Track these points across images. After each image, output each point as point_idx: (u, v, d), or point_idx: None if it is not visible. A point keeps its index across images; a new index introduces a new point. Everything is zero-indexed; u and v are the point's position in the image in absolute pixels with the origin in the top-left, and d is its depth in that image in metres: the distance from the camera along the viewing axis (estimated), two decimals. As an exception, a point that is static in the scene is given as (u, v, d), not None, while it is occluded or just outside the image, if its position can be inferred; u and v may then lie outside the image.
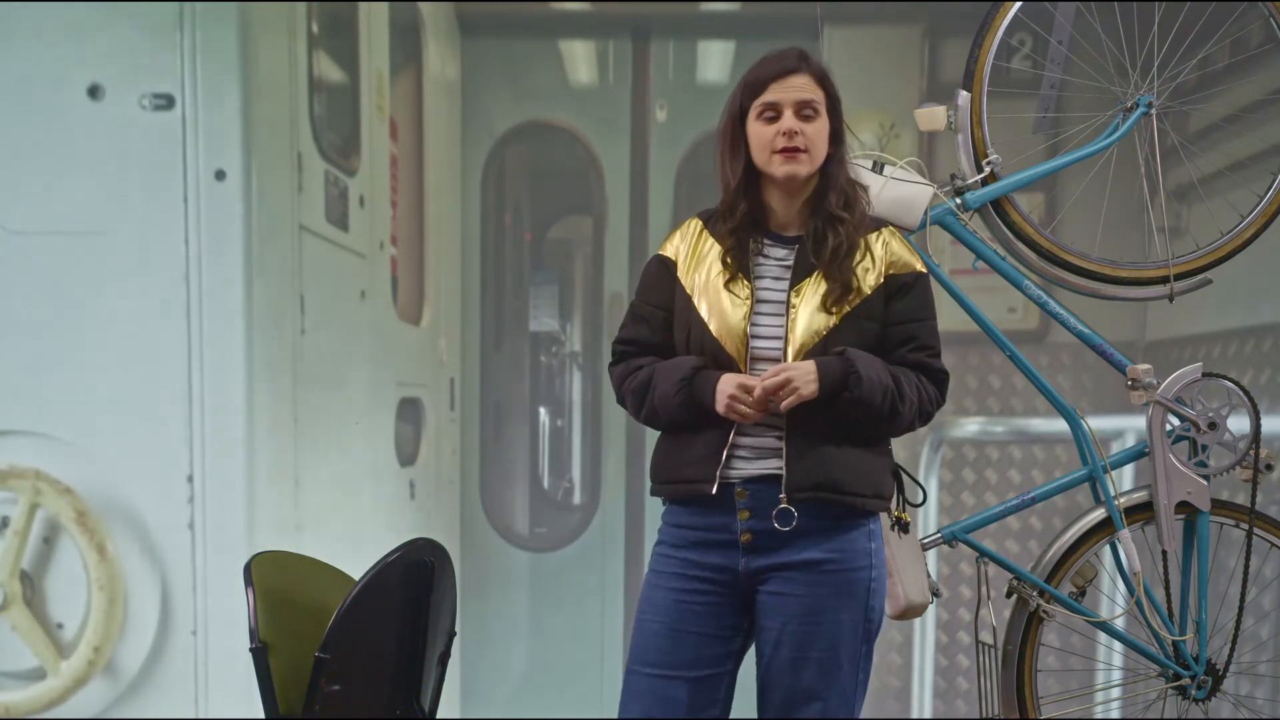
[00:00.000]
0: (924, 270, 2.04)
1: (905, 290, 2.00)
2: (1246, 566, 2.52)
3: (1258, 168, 2.69)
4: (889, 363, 1.97)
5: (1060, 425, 2.54)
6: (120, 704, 3.69)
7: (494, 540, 5.09)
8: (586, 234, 5.32)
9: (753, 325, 1.96)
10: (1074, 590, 2.50)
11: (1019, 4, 2.46)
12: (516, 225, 5.49)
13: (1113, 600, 2.77)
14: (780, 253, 2.00)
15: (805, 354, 1.93)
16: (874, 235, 2.02)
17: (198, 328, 3.59)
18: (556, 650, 5.05)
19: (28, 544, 3.62)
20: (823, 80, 1.98)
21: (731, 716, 2.05)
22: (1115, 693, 2.96)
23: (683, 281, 2.02)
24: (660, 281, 2.05)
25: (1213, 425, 2.45)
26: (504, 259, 5.35)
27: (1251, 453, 2.46)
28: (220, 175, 3.56)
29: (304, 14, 3.88)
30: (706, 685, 2.00)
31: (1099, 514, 2.50)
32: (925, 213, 2.34)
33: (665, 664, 1.99)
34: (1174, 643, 2.53)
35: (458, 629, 2.20)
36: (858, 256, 1.98)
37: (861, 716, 2.04)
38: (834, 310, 1.95)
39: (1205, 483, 2.47)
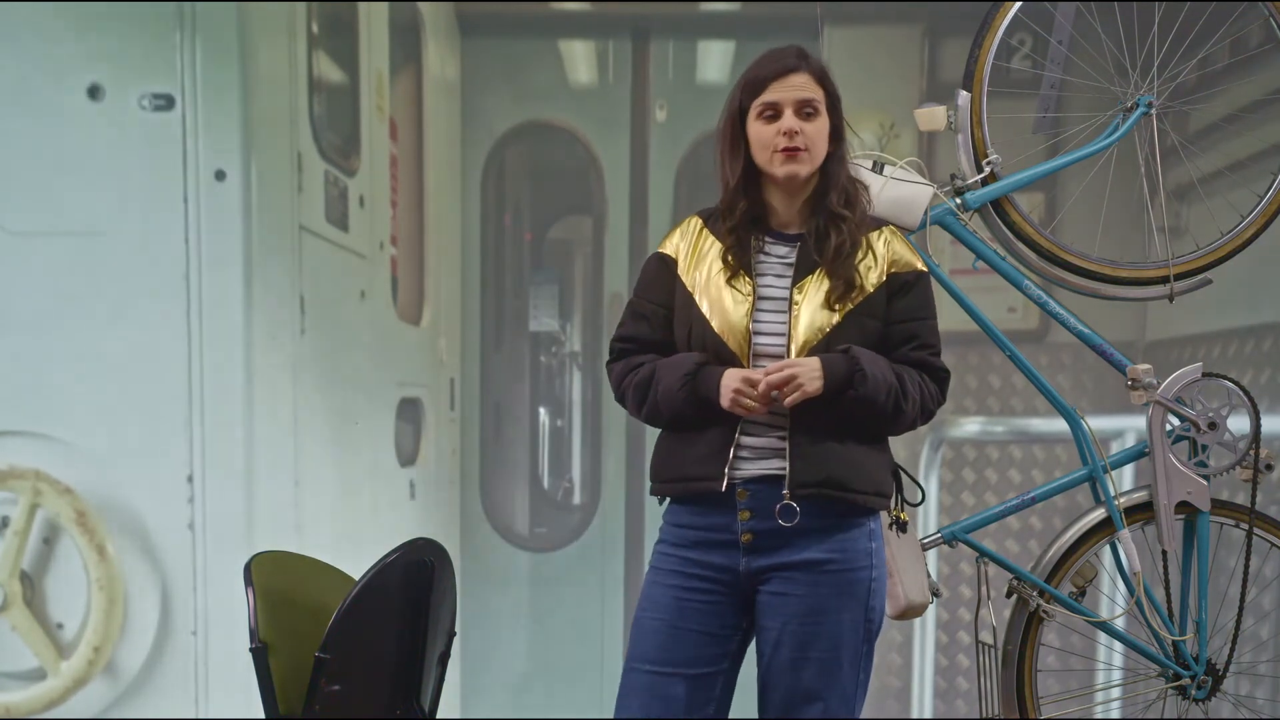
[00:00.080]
0: (925, 269, 2.05)
1: (907, 289, 2.01)
2: (1246, 566, 2.52)
3: (1258, 168, 2.69)
4: (891, 361, 1.97)
5: (1060, 425, 2.54)
6: (120, 704, 3.69)
7: (494, 540, 5.09)
8: (586, 234, 5.32)
9: (755, 322, 1.97)
10: (1074, 590, 2.50)
11: (1019, 4, 2.46)
12: (516, 225, 5.49)
13: (1113, 600, 2.77)
14: (781, 250, 2.00)
15: (808, 351, 1.94)
16: (875, 234, 2.02)
17: (198, 328, 3.59)
18: (556, 650, 5.05)
19: (28, 544, 3.62)
20: (822, 78, 1.98)
21: (732, 717, 2.05)
22: (1115, 693, 2.96)
23: (683, 279, 2.02)
24: (660, 279, 2.05)
25: (1213, 425, 2.45)
26: (504, 259, 5.36)
27: (1251, 453, 2.46)
28: (220, 175, 3.56)
29: (304, 14, 3.88)
30: (704, 683, 2.00)
31: (1099, 514, 2.50)
32: (925, 213, 2.34)
33: (664, 661, 1.99)
34: (1174, 643, 2.53)
35: (458, 629, 2.20)
36: (860, 254, 1.98)
37: (862, 716, 2.04)
38: (837, 307, 1.95)
39: (1205, 483, 2.47)
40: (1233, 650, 2.54)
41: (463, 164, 5.00)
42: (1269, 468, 2.48)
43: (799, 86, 1.95)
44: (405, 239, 4.71)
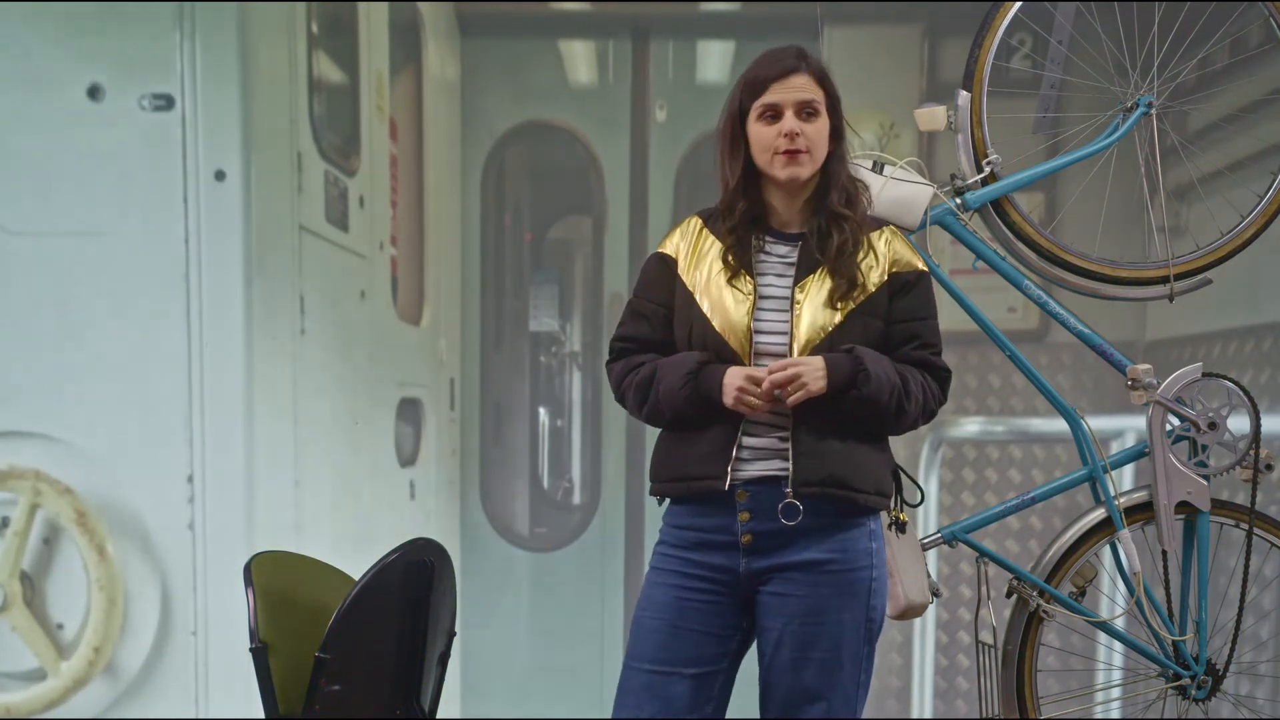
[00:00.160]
0: (926, 269, 2.05)
1: (908, 288, 2.01)
2: (1246, 566, 2.52)
3: (1258, 168, 2.69)
4: (893, 360, 1.97)
5: (1060, 425, 2.54)
6: (120, 704, 3.69)
7: (494, 540, 5.09)
8: (586, 234, 5.32)
9: (756, 321, 1.97)
10: (1074, 590, 2.50)
11: (1019, 4, 2.46)
12: (516, 225, 5.49)
13: (1113, 600, 2.77)
14: (782, 249, 2.00)
15: (811, 350, 1.94)
16: (876, 233, 2.03)
17: (198, 328, 3.59)
18: (556, 650, 5.05)
19: (28, 545, 3.62)
20: (822, 79, 1.98)
21: (733, 717, 2.05)
22: (1115, 693, 2.96)
23: (684, 279, 2.02)
24: (661, 279, 2.05)
25: (1213, 425, 2.45)
26: (504, 259, 5.36)
27: (1251, 453, 2.46)
28: (220, 175, 3.56)
29: (304, 14, 3.88)
30: (703, 683, 2.00)
31: (1099, 514, 2.50)
32: (925, 213, 2.34)
33: (663, 660, 1.99)
34: (1174, 643, 2.53)
35: (458, 629, 2.20)
36: (861, 253, 1.99)
37: (862, 717, 2.04)
38: (839, 306, 1.95)
39: (1205, 483, 2.47)
40: (1233, 650, 2.54)
41: (463, 164, 5.00)
42: (1269, 468, 2.48)
43: (799, 88, 1.95)
44: (405, 239, 4.71)
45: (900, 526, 2.17)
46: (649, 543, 2.10)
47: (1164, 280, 2.51)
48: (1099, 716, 3.23)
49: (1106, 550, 2.55)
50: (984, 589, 2.47)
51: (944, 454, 4.59)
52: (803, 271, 1.98)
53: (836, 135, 1.99)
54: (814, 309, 1.95)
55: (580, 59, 5.11)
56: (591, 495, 5.21)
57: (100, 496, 3.60)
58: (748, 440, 1.96)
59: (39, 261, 3.57)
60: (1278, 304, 3.90)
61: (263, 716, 1.97)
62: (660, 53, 5.01)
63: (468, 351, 5.07)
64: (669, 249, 2.06)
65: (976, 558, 2.48)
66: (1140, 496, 2.50)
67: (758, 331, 1.96)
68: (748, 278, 1.98)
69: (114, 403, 3.59)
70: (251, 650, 1.94)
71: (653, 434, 2.09)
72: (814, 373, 1.89)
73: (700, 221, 2.06)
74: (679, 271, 2.03)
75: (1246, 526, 2.52)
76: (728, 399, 1.91)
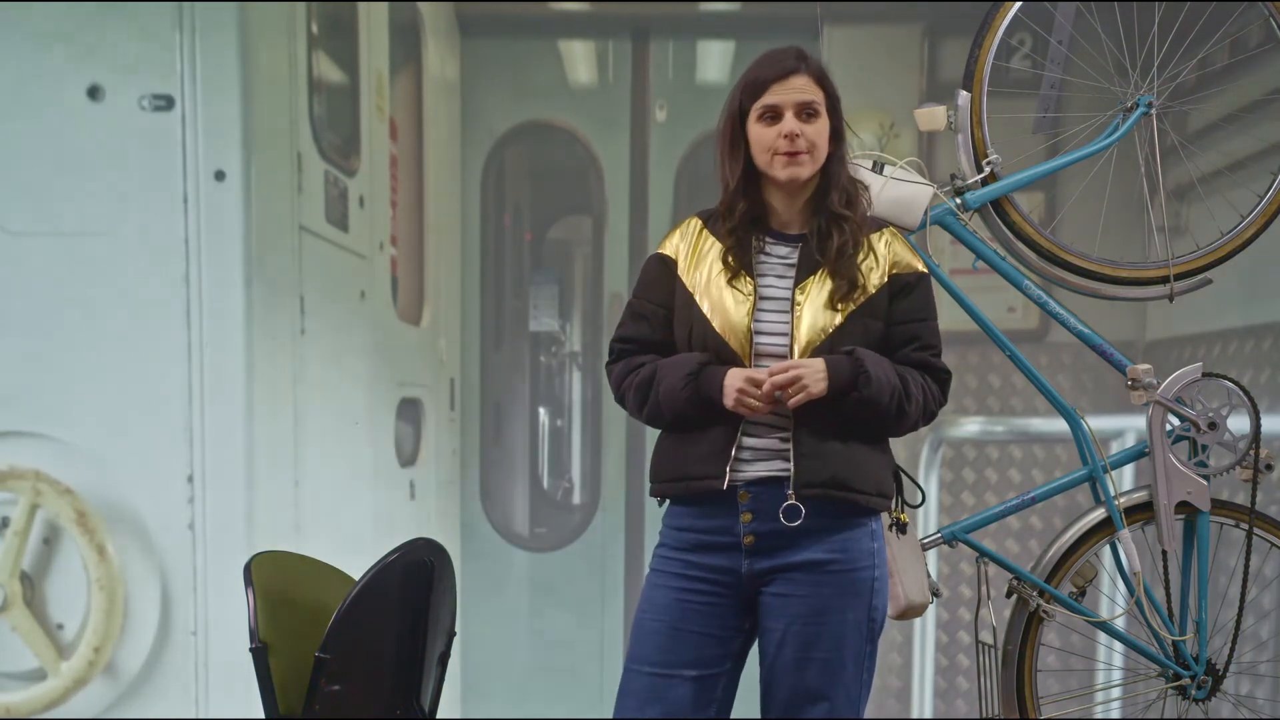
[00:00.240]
0: (926, 271, 2.05)
1: (909, 290, 2.01)
2: (1246, 566, 2.52)
3: (1258, 168, 2.69)
4: (894, 362, 1.97)
5: (1060, 425, 2.54)
6: (120, 704, 3.69)
7: (494, 540, 5.09)
8: (586, 234, 5.32)
9: (756, 321, 1.97)
10: (1074, 590, 2.50)
11: (1019, 4, 2.46)
12: (516, 225, 5.50)
13: (1113, 600, 2.77)
14: (783, 250, 2.01)
15: (811, 351, 1.94)
16: (876, 235, 2.03)
17: (198, 328, 3.59)
18: (556, 650, 5.05)
19: (28, 545, 3.62)
20: (822, 80, 1.98)
21: (734, 717, 2.05)
22: (1115, 693, 2.96)
23: (683, 279, 2.02)
24: (660, 279, 2.05)
25: (1213, 425, 2.45)
26: (504, 259, 5.36)
27: (1251, 453, 2.46)
28: (220, 175, 3.56)
29: (304, 14, 3.88)
30: (705, 685, 2.00)
31: (1099, 514, 2.50)
32: (925, 213, 2.34)
33: (664, 663, 1.99)
34: (1174, 643, 2.53)
35: (458, 629, 2.20)
36: (862, 255, 1.99)
37: (864, 717, 2.04)
38: (839, 308, 1.95)
39: (1205, 483, 2.47)
40: (1233, 650, 2.54)
41: (463, 164, 5.00)
42: (1269, 468, 2.48)
43: (799, 89, 1.95)
44: (405, 239, 4.71)
45: (901, 528, 2.17)
46: (649, 543, 2.10)
47: (1164, 280, 2.51)
48: (1099, 716, 3.23)
49: (1106, 550, 2.55)
50: (984, 589, 2.47)
51: (944, 454, 4.59)
52: (803, 273, 1.98)
53: (836, 136, 1.99)
54: (814, 310, 1.95)
55: (580, 59, 5.11)
56: (591, 495, 5.21)
57: (100, 496, 3.60)
58: (749, 441, 1.96)
59: (39, 261, 3.57)
60: (1278, 304, 3.90)
61: (263, 716, 1.97)
62: (660, 53, 5.01)
63: (468, 351, 5.07)
64: (669, 250, 2.06)
65: (976, 558, 2.48)
66: (1140, 496, 2.50)
67: (758, 333, 1.96)
68: (748, 278, 1.98)
69: (114, 403, 3.59)
70: (251, 650, 1.94)
71: (653, 434, 2.09)
72: (814, 374, 1.90)
73: (700, 222, 2.06)
74: (679, 272, 2.03)
75: (1246, 526, 2.52)
76: (728, 400, 1.91)
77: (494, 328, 5.23)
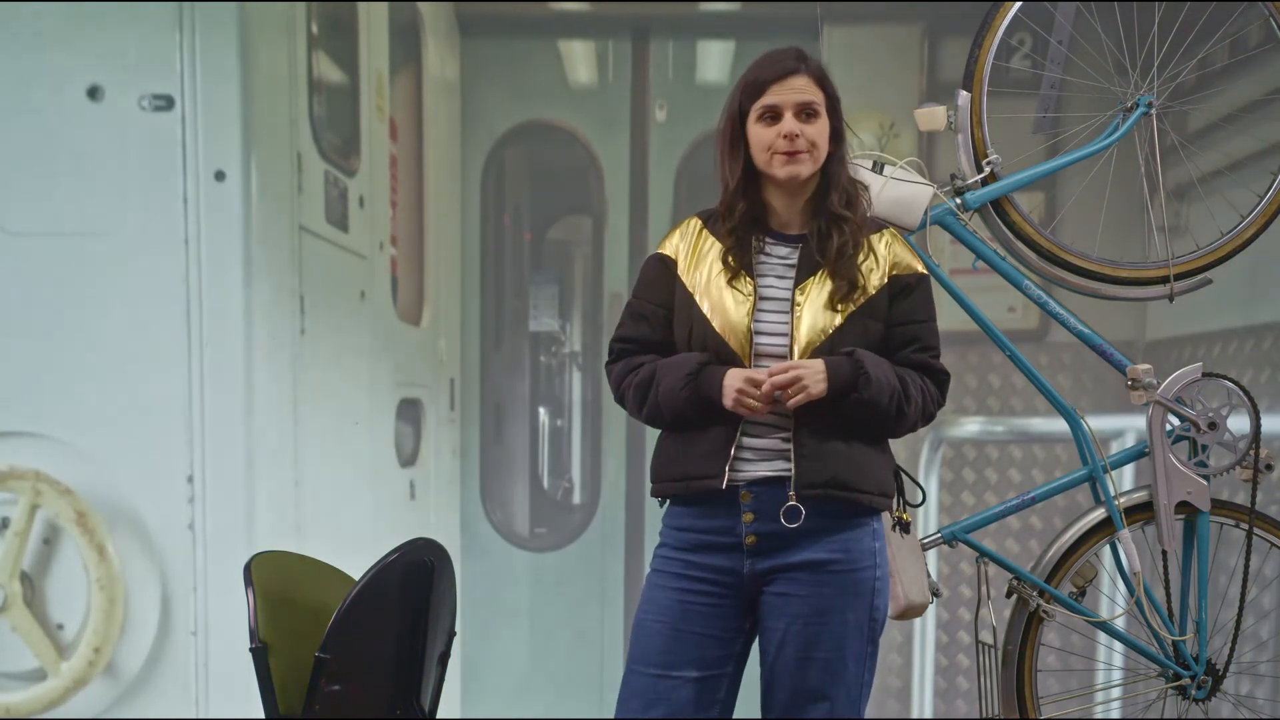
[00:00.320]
0: (925, 272, 2.05)
1: (908, 291, 2.01)
2: (1246, 566, 2.52)
3: (1258, 168, 2.69)
4: (893, 363, 1.97)
5: (1060, 425, 2.54)
6: (120, 704, 3.69)
7: (494, 540, 5.09)
8: (586, 234, 5.32)
9: (756, 322, 1.97)
10: (1074, 590, 2.50)
11: (1019, 4, 2.46)
12: (516, 225, 5.49)
13: (1113, 600, 2.77)
14: (783, 251, 2.01)
15: (811, 352, 1.94)
16: (876, 235, 2.03)
17: (198, 328, 3.59)
18: (556, 650, 5.05)
19: (28, 545, 3.62)
20: (821, 80, 1.98)
21: (735, 717, 2.05)
22: (1115, 693, 2.96)
23: (683, 279, 2.02)
24: (660, 279, 2.05)
25: (1213, 425, 2.45)
26: (504, 259, 5.36)
27: (1251, 452, 2.46)
28: (220, 175, 3.56)
29: (304, 14, 3.88)
30: (707, 686, 2.00)
31: (1099, 514, 2.50)
32: (925, 213, 2.34)
33: (666, 664, 1.99)
34: (1174, 643, 2.53)
35: (458, 629, 2.20)
36: (862, 256, 1.99)
37: (864, 716, 2.04)
38: (839, 308, 1.96)
39: (1205, 483, 2.47)
40: (1233, 650, 2.54)
41: (463, 164, 5.00)
42: (1269, 468, 2.48)
43: (799, 89, 1.95)
44: (405, 239, 4.71)
45: (904, 527, 2.17)
46: (649, 543, 2.10)
47: (1164, 280, 2.51)
48: (1099, 716, 3.23)
49: (1106, 550, 2.55)
50: (984, 589, 2.47)
51: (944, 454, 4.59)
52: (803, 273, 1.98)
53: (836, 137, 1.99)
54: (814, 311, 1.96)
55: (580, 59, 5.11)
56: (591, 495, 5.21)
57: (100, 496, 3.60)
58: (750, 441, 1.96)
59: (39, 261, 3.57)
60: (1278, 304, 3.90)
61: (263, 716, 1.97)
62: (660, 53, 5.01)
63: (468, 351, 5.07)
64: (668, 250, 2.06)
65: (976, 558, 2.48)
66: (1140, 496, 2.50)
67: (758, 333, 1.96)
68: (748, 279, 1.98)
69: (114, 403, 3.59)
70: (251, 650, 1.94)
71: (653, 434, 2.09)
72: (814, 375, 1.90)
73: (700, 222, 2.06)
74: (679, 272, 2.03)
75: (1246, 526, 2.52)
76: (727, 401, 1.91)
77: (494, 328, 5.23)
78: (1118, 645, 2.66)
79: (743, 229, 2.00)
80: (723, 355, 1.96)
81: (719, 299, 1.98)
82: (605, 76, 5.09)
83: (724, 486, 1.94)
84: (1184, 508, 2.47)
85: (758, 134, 1.97)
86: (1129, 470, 2.82)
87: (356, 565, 2.00)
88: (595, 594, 5.05)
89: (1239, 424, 2.46)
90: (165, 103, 3.53)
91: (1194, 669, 2.53)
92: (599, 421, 5.19)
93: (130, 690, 3.69)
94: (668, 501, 2.06)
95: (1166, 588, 2.54)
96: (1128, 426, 3.58)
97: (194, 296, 3.58)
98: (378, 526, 4.32)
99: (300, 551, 2.14)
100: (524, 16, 4.96)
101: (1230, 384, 2.46)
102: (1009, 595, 2.53)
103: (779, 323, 1.97)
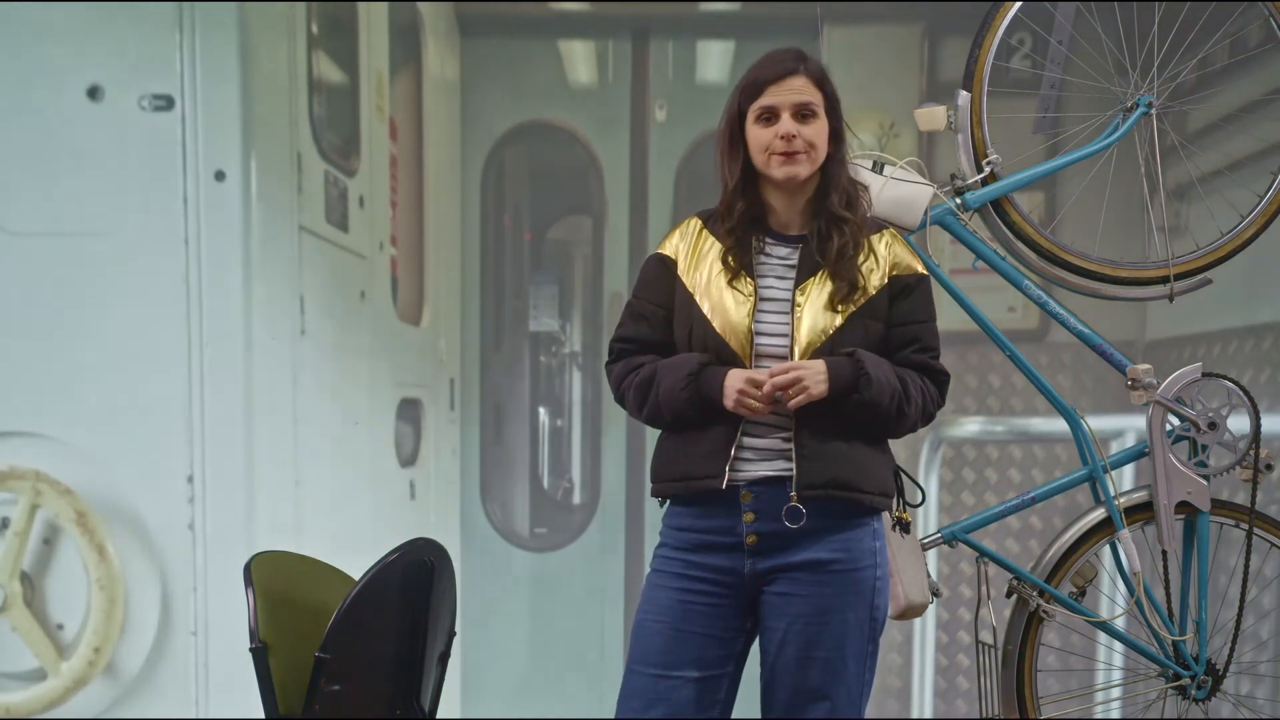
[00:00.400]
0: (925, 272, 2.05)
1: (908, 291, 2.01)
2: (1246, 566, 2.52)
3: (1258, 168, 2.69)
4: (893, 364, 1.97)
5: (1060, 425, 2.54)
6: (120, 704, 3.69)
7: (494, 540, 5.09)
8: (586, 234, 5.32)
9: (757, 323, 1.97)
10: (1074, 590, 2.50)
11: (1019, 4, 2.46)
12: (516, 225, 5.49)
13: (1113, 600, 2.77)
14: (783, 251, 2.01)
15: (812, 353, 1.94)
16: (876, 236, 2.03)
17: (198, 328, 3.59)
18: (556, 650, 5.05)
19: (28, 545, 3.62)
20: (820, 81, 1.98)
21: (735, 717, 2.05)
22: (1115, 693, 2.97)
23: (683, 280, 2.02)
24: (660, 279, 2.05)
25: (1213, 425, 2.45)
26: (504, 259, 5.36)
27: (1251, 452, 2.46)
28: (220, 176, 3.56)
29: (304, 14, 3.88)
30: (708, 686, 2.00)
31: (1099, 514, 2.50)
32: (925, 213, 2.34)
33: (667, 664, 1.99)
34: (1174, 643, 2.53)
35: (458, 629, 2.20)
36: (862, 256, 1.99)
37: (865, 716, 2.04)
38: (840, 309, 1.96)
39: (1205, 483, 2.47)
40: (1233, 650, 2.54)
41: (463, 164, 5.00)
42: (1269, 468, 2.48)
43: (796, 89, 1.95)
44: (405, 239, 4.71)
45: (904, 527, 2.17)
46: (649, 543, 2.10)
47: (1164, 280, 2.51)
48: (1099, 716, 3.23)
49: (1106, 550, 2.55)
50: (984, 589, 2.47)
51: (944, 454, 4.59)
52: (803, 274, 1.98)
53: (836, 138, 1.99)
54: (815, 312, 1.96)
55: (580, 59, 5.11)
56: (591, 495, 5.21)
57: (100, 496, 3.60)
58: (751, 441, 1.96)
59: (39, 261, 3.57)
60: (1278, 304, 3.90)
61: (263, 716, 1.97)
62: (660, 53, 5.01)
63: (468, 351, 5.06)
64: (668, 250, 2.06)
65: (976, 558, 2.48)
66: (1140, 496, 2.50)
67: (758, 333, 1.96)
68: (748, 279, 1.98)
69: (114, 403, 3.59)
70: (251, 650, 1.94)
71: (653, 434, 2.09)
72: (815, 376, 1.90)
73: (700, 222, 2.06)
74: (679, 272, 2.03)
75: (1246, 526, 2.52)
76: (728, 401, 1.91)
77: (494, 328, 5.22)
78: (1118, 645, 2.66)
79: (742, 229, 2.00)
80: (723, 356, 1.96)
81: (719, 299, 1.98)
82: (605, 76, 5.09)
83: (724, 487, 1.94)
84: (1184, 508, 2.47)
85: (755, 135, 1.97)
86: (1129, 470, 2.82)
87: (356, 565, 2.00)
88: (595, 594, 5.05)
89: (1239, 424, 2.46)
90: (165, 103, 3.53)
91: (1194, 669, 2.52)
92: (599, 421, 5.19)
93: (130, 690, 3.69)
94: (668, 501, 2.06)
95: (1166, 588, 2.54)
96: (1128, 426, 3.58)
97: (194, 296, 3.58)
98: (378, 526, 4.32)
99: (300, 551, 2.14)
100: (524, 16, 4.96)
101: (1230, 384, 2.46)
102: (1009, 595, 2.53)
103: (779, 323, 1.97)
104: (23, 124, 3.55)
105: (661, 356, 2.02)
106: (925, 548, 2.39)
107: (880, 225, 2.07)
